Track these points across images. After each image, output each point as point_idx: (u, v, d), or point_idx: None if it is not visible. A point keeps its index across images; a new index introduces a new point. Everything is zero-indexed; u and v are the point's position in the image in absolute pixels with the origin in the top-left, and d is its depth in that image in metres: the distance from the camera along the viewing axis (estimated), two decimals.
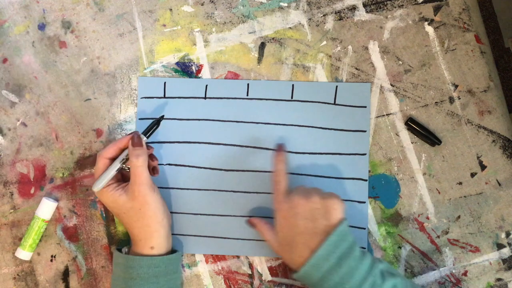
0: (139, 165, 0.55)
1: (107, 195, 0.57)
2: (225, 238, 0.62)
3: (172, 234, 0.63)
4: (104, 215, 0.64)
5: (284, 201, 0.55)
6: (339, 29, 0.64)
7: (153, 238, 0.57)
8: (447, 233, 0.62)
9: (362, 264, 0.51)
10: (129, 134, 0.58)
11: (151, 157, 0.59)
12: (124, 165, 0.58)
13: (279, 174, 0.58)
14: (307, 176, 0.62)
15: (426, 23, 0.64)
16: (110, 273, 0.63)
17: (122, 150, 0.58)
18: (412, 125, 0.62)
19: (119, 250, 0.59)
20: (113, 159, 0.58)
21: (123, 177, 0.61)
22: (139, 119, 0.64)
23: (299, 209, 0.54)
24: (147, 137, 0.59)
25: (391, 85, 0.63)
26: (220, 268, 0.63)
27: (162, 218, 0.57)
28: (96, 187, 0.57)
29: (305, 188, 0.56)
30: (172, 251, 0.60)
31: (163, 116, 0.61)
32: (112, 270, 0.61)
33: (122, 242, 0.64)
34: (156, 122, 0.60)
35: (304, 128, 0.63)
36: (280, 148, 0.60)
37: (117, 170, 0.58)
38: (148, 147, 0.59)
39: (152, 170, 0.59)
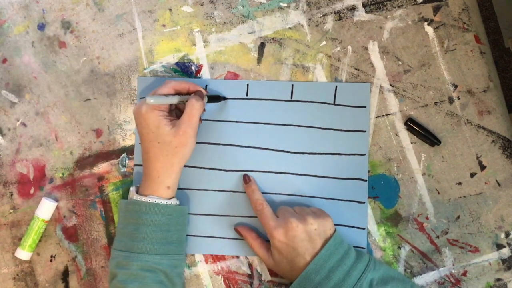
0: (196, 107, 0.57)
1: (154, 116, 0.57)
2: (225, 238, 0.62)
3: None
4: (103, 215, 0.64)
5: (278, 225, 0.56)
6: (338, 29, 0.64)
7: (171, 178, 0.58)
8: (446, 233, 0.62)
9: (349, 277, 0.53)
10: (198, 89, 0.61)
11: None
12: (179, 102, 0.59)
13: (259, 203, 0.59)
14: (307, 177, 0.62)
15: (426, 23, 0.64)
16: None
17: (187, 93, 0.60)
18: (412, 125, 0.62)
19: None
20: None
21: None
22: None
23: (296, 232, 0.55)
24: (207, 102, 0.61)
25: (391, 85, 0.63)
26: (219, 268, 0.63)
27: (184, 164, 0.59)
28: (151, 100, 0.56)
29: (293, 210, 0.58)
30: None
31: (225, 98, 0.63)
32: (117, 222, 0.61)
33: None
34: (219, 98, 0.63)
35: (304, 128, 0.63)
36: (247, 180, 0.62)
37: (177, 101, 0.59)
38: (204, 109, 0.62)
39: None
